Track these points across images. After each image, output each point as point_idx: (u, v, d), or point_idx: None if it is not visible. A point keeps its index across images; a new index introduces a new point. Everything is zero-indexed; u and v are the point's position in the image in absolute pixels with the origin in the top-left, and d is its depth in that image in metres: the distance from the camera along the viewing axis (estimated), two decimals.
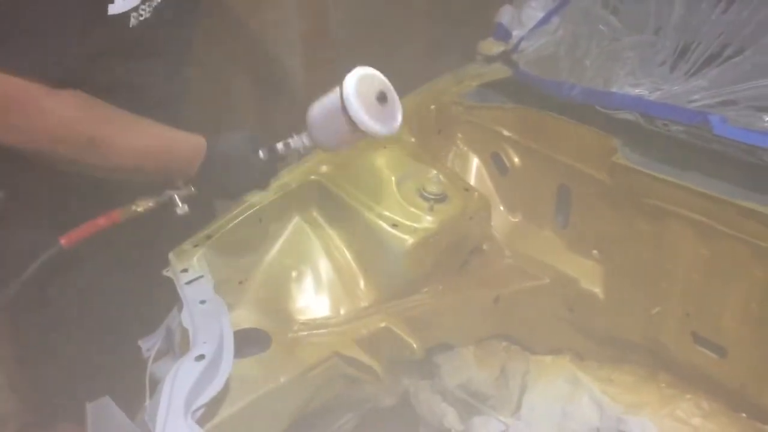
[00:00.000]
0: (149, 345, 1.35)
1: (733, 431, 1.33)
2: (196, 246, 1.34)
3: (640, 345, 1.49)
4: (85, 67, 1.13)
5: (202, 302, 1.23)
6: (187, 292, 1.25)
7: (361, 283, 1.45)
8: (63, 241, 1.16)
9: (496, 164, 1.67)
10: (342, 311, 1.43)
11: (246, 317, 1.36)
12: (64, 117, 1.10)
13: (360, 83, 1.18)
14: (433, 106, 1.67)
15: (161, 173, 1.23)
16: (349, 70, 1.19)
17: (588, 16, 1.61)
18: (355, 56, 2.21)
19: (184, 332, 1.19)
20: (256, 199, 1.41)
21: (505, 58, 1.69)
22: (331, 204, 1.46)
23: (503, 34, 1.70)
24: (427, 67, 1.81)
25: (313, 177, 1.46)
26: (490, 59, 1.75)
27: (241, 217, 1.40)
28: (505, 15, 1.74)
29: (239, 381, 1.20)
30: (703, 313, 1.35)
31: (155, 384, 1.20)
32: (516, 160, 1.63)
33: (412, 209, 1.42)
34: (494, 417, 1.53)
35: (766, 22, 1.38)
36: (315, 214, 1.47)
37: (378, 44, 2.16)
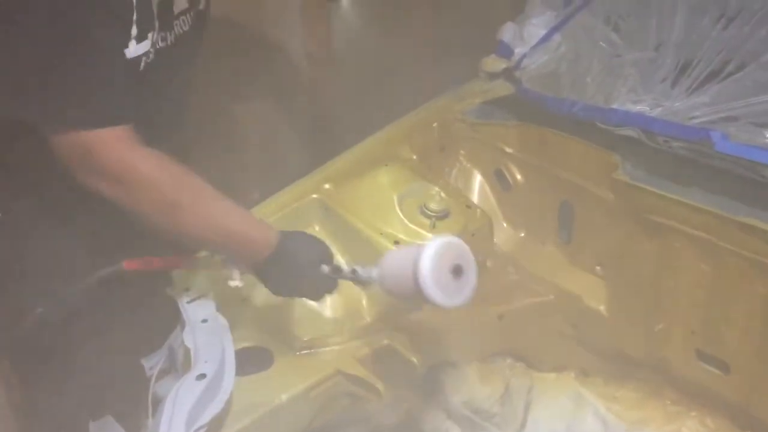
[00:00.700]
0: (152, 364, 1.36)
1: None
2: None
3: (645, 361, 1.48)
4: None
5: (204, 321, 1.24)
6: (189, 311, 1.26)
7: (364, 301, 1.45)
8: (126, 264, 1.18)
9: (499, 181, 1.68)
10: (345, 329, 1.43)
11: (248, 336, 1.37)
12: (151, 178, 1.11)
13: (438, 252, 1.14)
14: (435, 124, 1.68)
15: (227, 253, 1.23)
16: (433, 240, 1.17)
17: (589, 33, 1.62)
18: (359, 75, 2.24)
19: (187, 351, 1.19)
20: (259, 216, 1.41)
21: (507, 75, 1.69)
22: (334, 222, 1.46)
23: (505, 52, 1.70)
24: (430, 84, 1.82)
25: (315, 195, 1.47)
26: (492, 76, 1.75)
27: None
28: (508, 32, 1.74)
29: (241, 400, 1.21)
30: (706, 329, 1.35)
31: (158, 403, 1.21)
32: (519, 176, 1.63)
33: (414, 226, 1.42)
34: None
35: (766, 39, 1.38)
36: (317, 231, 1.48)
37: (381, 63, 2.18)
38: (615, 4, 1.64)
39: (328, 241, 1.47)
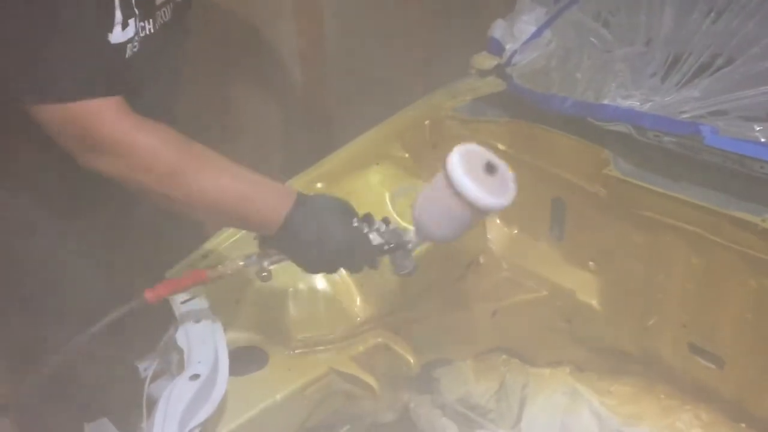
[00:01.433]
0: (146, 365, 1.36)
1: None
2: (191, 265, 1.35)
3: (638, 356, 1.49)
4: None
5: (198, 322, 1.24)
6: (182, 312, 1.26)
7: (358, 300, 1.45)
8: (148, 295, 1.13)
9: None
10: (339, 328, 1.43)
11: (242, 336, 1.37)
12: (149, 145, 1.06)
13: (464, 159, 1.07)
14: (427, 121, 1.68)
15: (243, 216, 1.14)
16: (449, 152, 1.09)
17: (579, 29, 1.62)
18: (351, 72, 2.24)
19: (180, 352, 1.20)
20: None
21: (498, 71, 1.69)
22: None
23: (496, 48, 1.70)
24: (422, 81, 1.82)
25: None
26: (483, 73, 1.75)
27: (236, 236, 1.41)
28: (498, 29, 1.74)
29: (236, 399, 1.21)
30: (699, 323, 1.36)
31: (152, 404, 1.21)
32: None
33: (406, 224, 1.41)
34: (494, 431, 1.54)
35: (754, 33, 1.38)
36: None
37: (372, 60, 2.18)
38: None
39: None
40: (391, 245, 1.17)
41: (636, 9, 1.57)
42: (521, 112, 1.59)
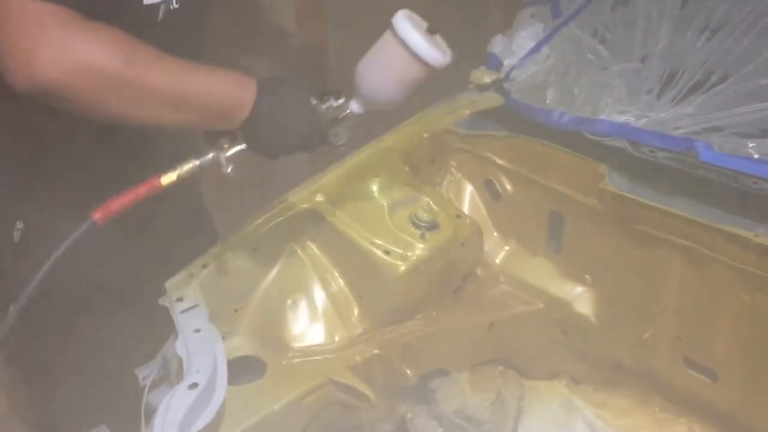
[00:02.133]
0: (146, 374, 1.37)
1: None
2: (191, 275, 1.36)
3: (634, 369, 1.50)
4: None
5: (197, 331, 1.25)
6: (181, 321, 1.27)
7: (355, 310, 1.47)
8: (97, 216, 1.06)
9: (489, 191, 1.69)
10: (336, 338, 1.45)
11: (241, 345, 1.38)
12: (96, 49, 1.00)
13: (409, 18, 1.18)
14: (426, 135, 1.69)
15: (206, 111, 1.10)
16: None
17: (577, 45, 1.65)
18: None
19: (179, 361, 1.21)
20: (251, 227, 1.43)
21: (497, 86, 1.72)
22: (325, 231, 1.48)
23: (495, 64, 1.73)
24: (421, 95, 1.84)
25: (306, 205, 1.49)
26: (482, 88, 1.77)
27: (236, 246, 1.42)
28: (497, 45, 1.77)
29: (233, 408, 1.22)
30: (694, 337, 1.37)
31: (151, 413, 1.22)
32: (509, 187, 1.65)
33: (404, 236, 1.44)
34: None
35: (748, 51, 1.41)
36: (309, 241, 1.49)
37: None
38: (602, 16, 1.67)
39: (320, 252, 1.50)
40: (337, 116, 1.22)
41: (632, 26, 1.59)
42: (519, 127, 1.60)
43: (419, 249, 1.42)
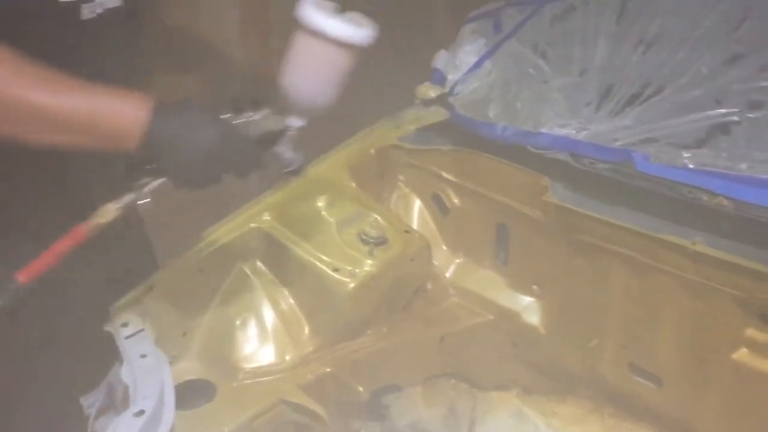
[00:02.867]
0: (91, 402, 1.34)
1: None
2: (136, 299, 1.34)
3: (583, 377, 1.52)
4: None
5: (143, 356, 1.23)
6: (127, 347, 1.25)
7: (306, 329, 1.46)
8: (22, 276, 1.03)
9: (437, 205, 1.71)
10: (287, 357, 1.44)
11: (190, 368, 1.36)
12: None
13: (314, 4, 1.08)
14: (372, 150, 1.70)
15: (96, 131, 1.03)
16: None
17: (518, 60, 1.67)
18: None
19: (125, 388, 1.19)
20: (196, 248, 1.42)
21: (442, 101, 1.73)
22: (273, 251, 1.47)
23: (439, 79, 1.75)
24: (367, 111, 1.85)
25: (253, 225, 1.48)
26: (428, 103, 1.79)
27: (182, 268, 1.41)
28: (441, 60, 1.79)
29: None
30: (638, 344, 1.40)
31: None
32: (456, 200, 1.67)
33: (353, 253, 1.44)
34: None
35: (682, 63, 1.45)
36: (257, 261, 1.49)
37: None
38: (541, 32, 1.71)
39: (268, 271, 1.49)
40: (271, 132, 1.11)
41: (571, 41, 1.63)
42: (465, 141, 1.62)
43: (368, 265, 1.43)
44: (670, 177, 1.28)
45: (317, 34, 1.06)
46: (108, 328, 1.30)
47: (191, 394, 1.31)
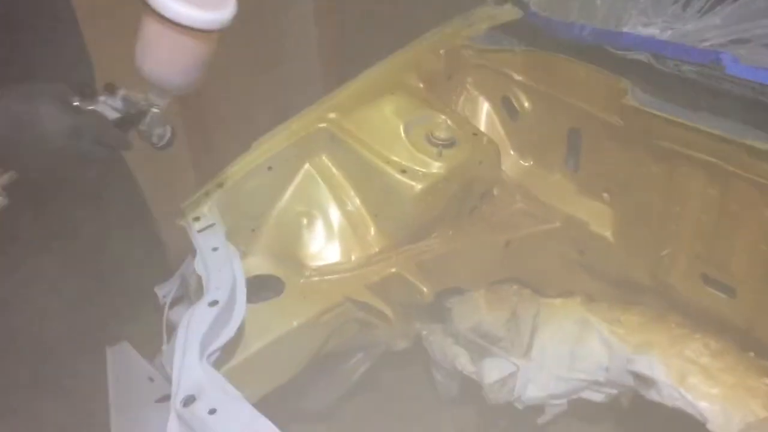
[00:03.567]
0: (165, 292, 1.38)
1: (741, 369, 1.34)
2: (206, 194, 1.35)
3: (650, 287, 1.50)
4: None
5: (215, 249, 1.25)
6: (199, 240, 1.27)
7: (372, 229, 1.46)
8: None
9: (506, 108, 1.66)
10: (353, 257, 1.45)
11: (258, 264, 1.39)
12: None
13: None
14: (442, 51, 1.65)
15: None
16: None
17: None
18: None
19: (199, 279, 1.22)
20: (265, 146, 1.41)
21: None
22: (340, 151, 1.46)
23: None
24: (437, 10, 1.78)
25: (321, 124, 1.47)
26: (500, 1, 1.72)
27: (251, 165, 1.41)
28: None
29: (253, 325, 1.24)
30: (712, 254, 1.36)
31: (172, 329, 1.24)
32: (526, 104, 1.62)
33: (421, 155, 1.42)
34: (505, 358, 1.56)
35: None
36: (324, 161, 1.48)
37: None
38: None
39: (335, 171, 1.48)
40: (132, 113, 1.05)
41: None
42: (538, 41, 1.56)
43: (436, 167, 1.41)
44: (761, 80, 1.20)
45: (164, 20, 0.96)
46: (181, 222, 1.32)
47: (260, 288, 1.34)
